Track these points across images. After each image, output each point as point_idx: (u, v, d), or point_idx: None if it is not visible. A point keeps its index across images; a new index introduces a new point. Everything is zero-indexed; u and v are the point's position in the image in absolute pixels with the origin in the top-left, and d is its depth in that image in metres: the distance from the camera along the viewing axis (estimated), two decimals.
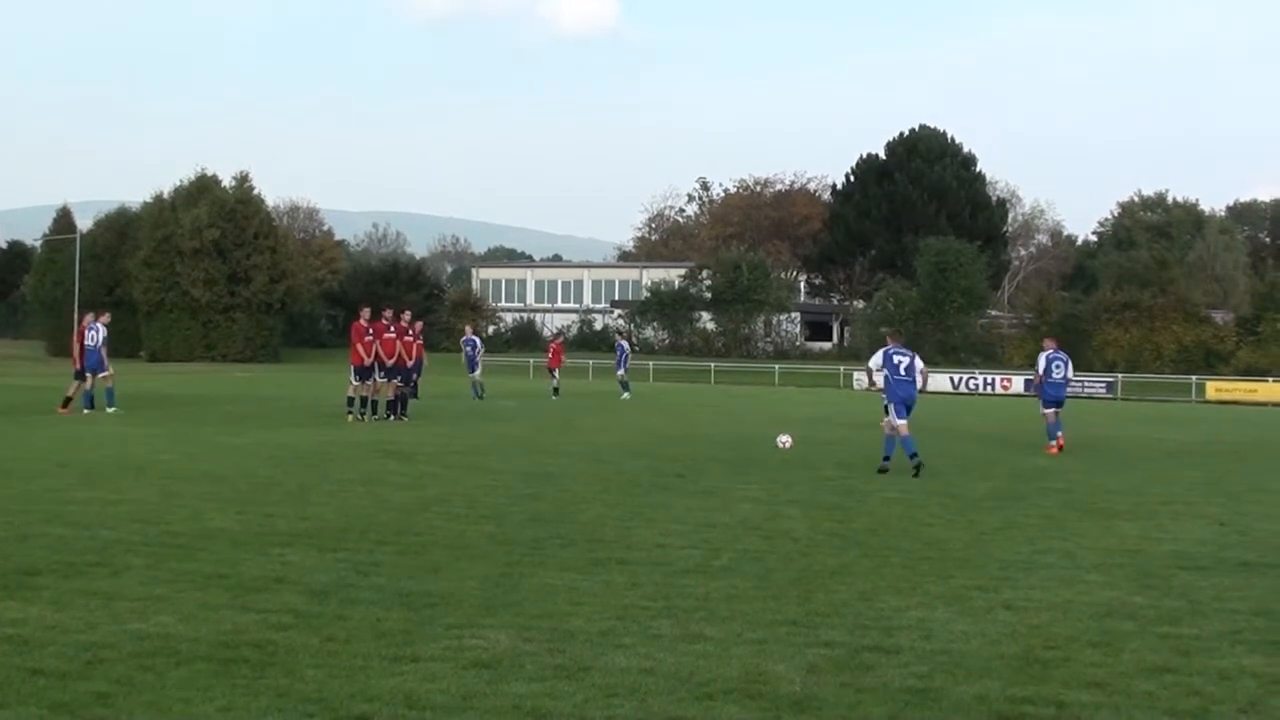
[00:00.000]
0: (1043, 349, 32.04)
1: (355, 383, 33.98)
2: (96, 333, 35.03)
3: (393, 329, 34.77)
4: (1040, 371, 31.51)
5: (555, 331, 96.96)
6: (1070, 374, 31.91)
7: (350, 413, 33.58)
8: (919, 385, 24.73)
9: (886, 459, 23.88)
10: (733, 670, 9.12)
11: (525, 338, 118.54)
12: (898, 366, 24.41)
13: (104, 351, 35.08)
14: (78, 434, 27.49)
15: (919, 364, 24.89)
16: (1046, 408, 30.96)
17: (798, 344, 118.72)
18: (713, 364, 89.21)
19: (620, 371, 55.01)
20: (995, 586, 12.46)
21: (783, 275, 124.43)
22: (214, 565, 12.60)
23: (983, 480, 22.52)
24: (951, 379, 77.98)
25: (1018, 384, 73.66)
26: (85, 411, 34.21)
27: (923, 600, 11.72)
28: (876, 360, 25.22)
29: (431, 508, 17.16)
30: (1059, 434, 30.00)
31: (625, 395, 52.74)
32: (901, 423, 23.91)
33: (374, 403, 33.95)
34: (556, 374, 54.30)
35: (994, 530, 16.40)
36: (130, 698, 8.18)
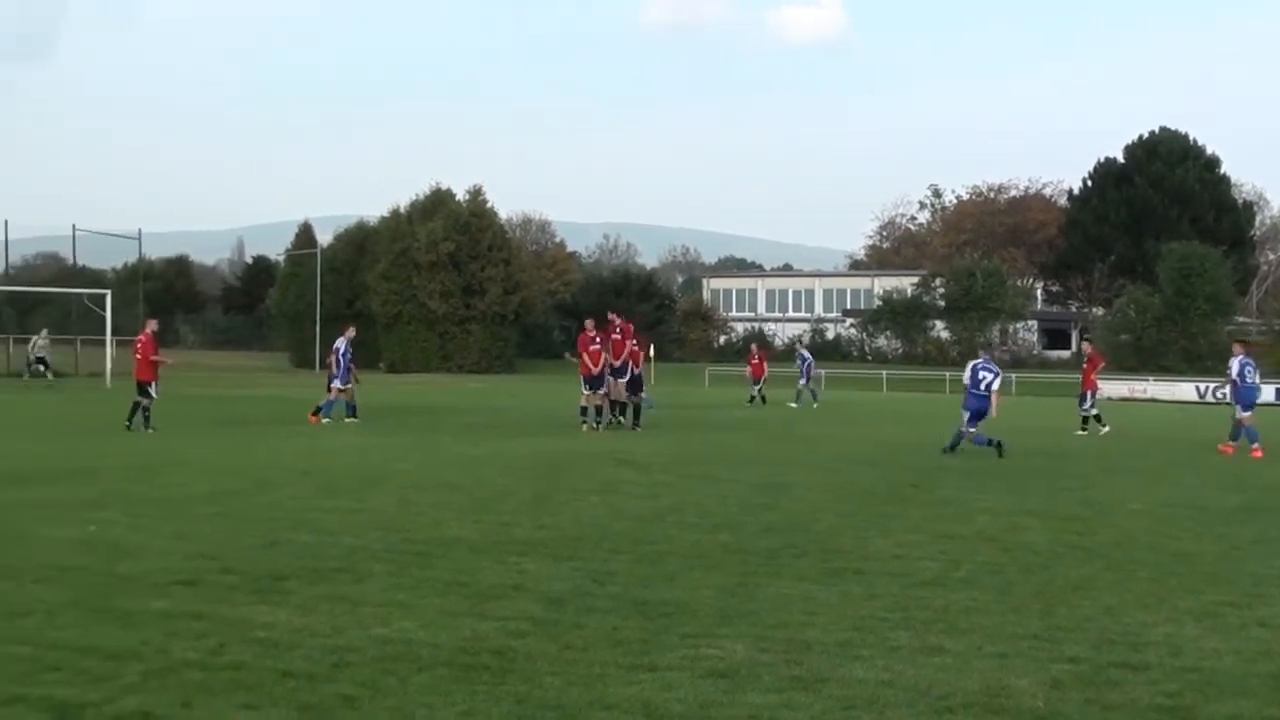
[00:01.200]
0: (1234, 354, 31.94)
1: (586, 392, 34.27)
2: (344, 349, 36.30)
3: (598, 338, 34.65)
4: (1235, 376, 31.38)
5: (757, 341, 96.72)
6: (1258, 379, 32.22)
7: (584, 422, 33.84)
8: (991, 405, 28.00)
9: (993, 444, 27.46)
10: (973, 684, 8.99)
11: (765, 348, 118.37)
12: (979, 382, 26.78)
13: (347, 365, 36.17)
14: (320, 444, 28.11)
15: (996, 384, 27.96)
16: (1245, 411, 30.86)
17: (1035, 352, 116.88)
18: (947, 373, 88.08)
19: (802, 381, 54.30)
20: (1249, 603, 12.04)
21: (1018, 283, 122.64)
22: (453, 573, 12.80)
23: (1234, 493, 21.83)
24: (1197, 388, 75.91)
25: (1269, 393, 71.48)
26: (346, 420, 35.17)
27: (1171, 616, 11.40)
28: (967, 374, 28.29)
29: (666, 517, 17.20)
30: (1256, 439, 30.10)
31: (793, 405, 51.91)
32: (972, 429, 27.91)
33: (600, 408, 34.10)
34: (760, 383, 53.89)
35: (1247, 544, 15.86)
36: (375, 701, 8.35)
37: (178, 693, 8.45)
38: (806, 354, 56.43)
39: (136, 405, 31.73)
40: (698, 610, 11.17)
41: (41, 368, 58.53)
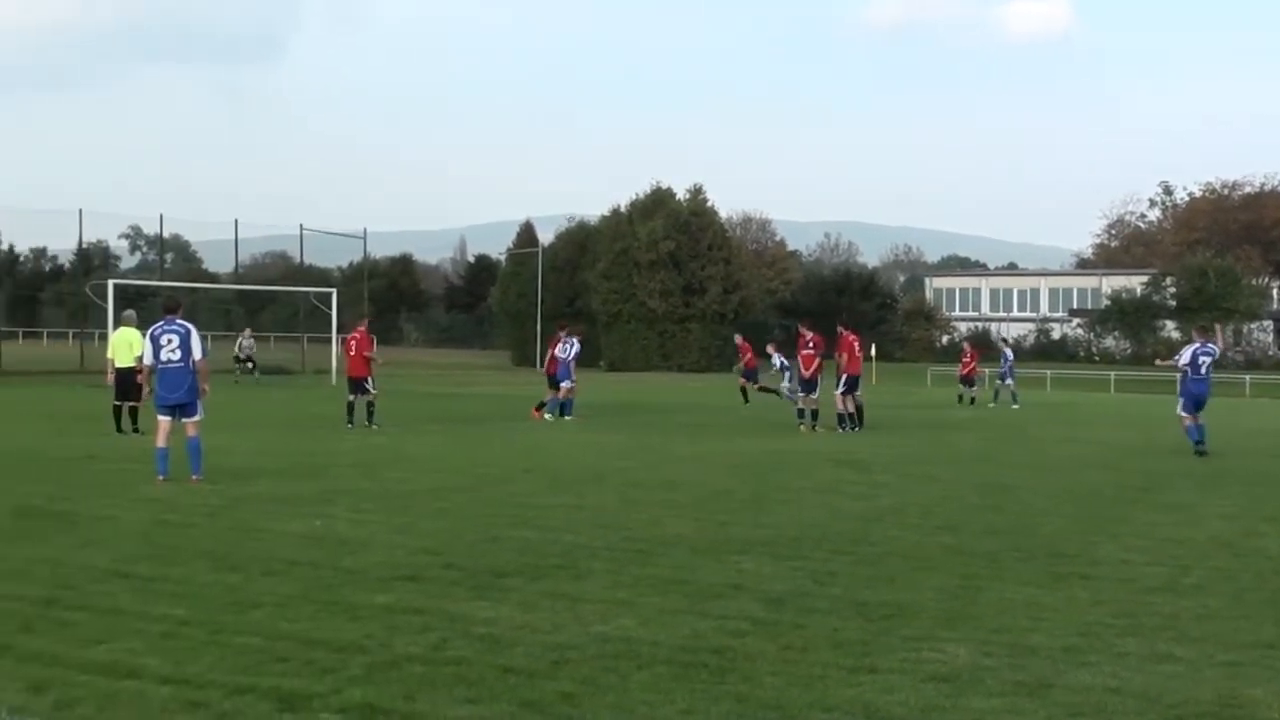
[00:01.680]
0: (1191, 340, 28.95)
1: (801, 395, 34.14)
2: (570, 346, 36.64)
3: (811, 341, 34.31)
4: (1185, 364, 28.09)
5: (967, 338, 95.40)
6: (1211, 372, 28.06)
7: (800, 423, 33.70)
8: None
9: (1199, 444, 26.55)
10: (1205, 693, 8.72)
11: (979, 347, 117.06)
12: (1199, 365, 25.34)
13: (572, 365, 36.54)
14: (541, 441, 28.38)
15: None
16: (1185, 410, 28.07)
17: (1270, 353, 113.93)
18: (1177, 374, 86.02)
19: (1008, 381, 53.42)
20: None
21: (1254, 282, 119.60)
22: (673, 571, 12.82)
23: None
24: None
25: None
26: (551, 418, 35.46)
27: None
28: (1185, 357, 27.15)
29: (886, 518, 17.07)
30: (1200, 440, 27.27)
31: (994, 405, 51.15)
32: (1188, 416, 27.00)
33: (814, 412, 33.87)
34: (974, 383, 53.12)
35: None
36: (595, 699, 8.38)
37: (400, 686, 8.57)
38: (1009, 352, 55.90)
39: (351, 405, 32.05)
40: (919, 612, 11.06)
41: (249, 365, 59.76)
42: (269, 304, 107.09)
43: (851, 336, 35.09)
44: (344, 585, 11.80)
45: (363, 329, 33.64)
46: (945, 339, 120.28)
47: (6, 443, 25.50)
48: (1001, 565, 13.56)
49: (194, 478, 19.44)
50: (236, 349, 61.61)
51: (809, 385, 33.79)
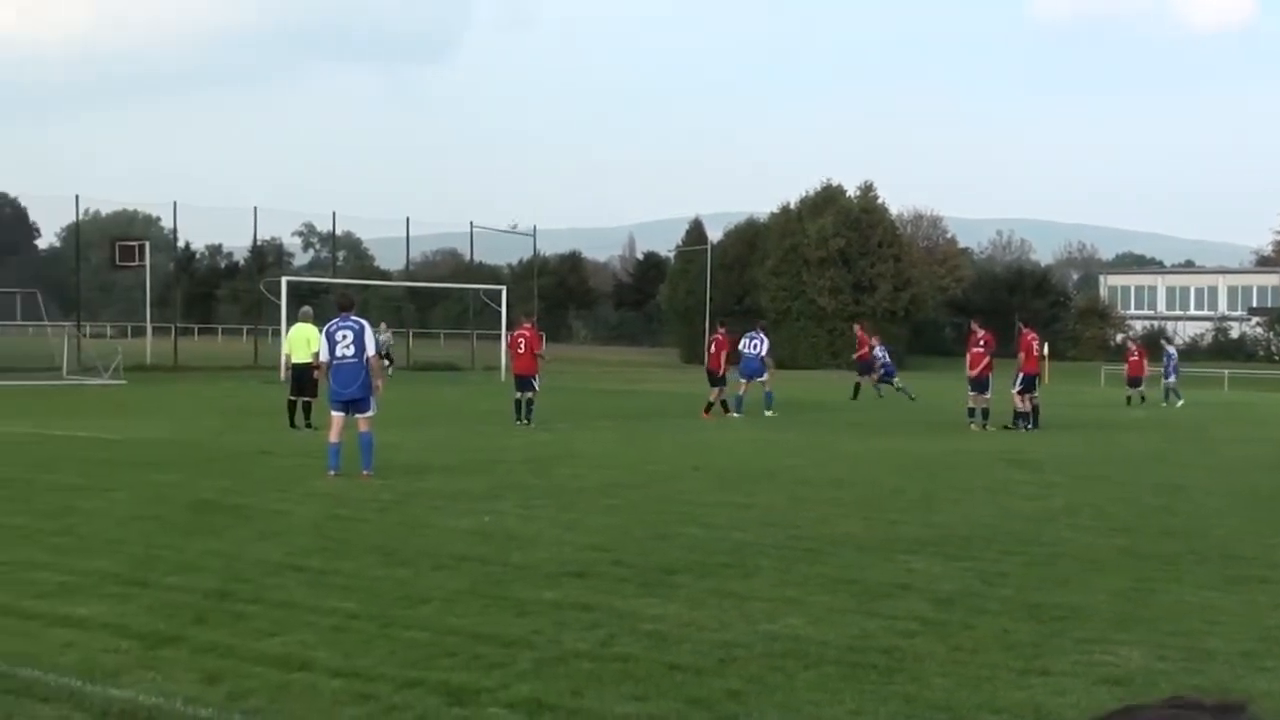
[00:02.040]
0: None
1: (972, 394, 33.78)
2: (760, 342, 36.80)
3: (983, 340, 34.06)
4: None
5: (1131, 337, 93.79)
6: None
7: (971, 422, 33.36)
8: None
9: None
10: None
11: (1155, 346, 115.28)
12: None
13: (768, 360, 36.94)
14: (710, 439, 28.38)
15: None
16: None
17: None
18: None
19: (1171, 379, 52.38)
20: None
21: None
22: (841, 570, 12.77)
23: None
24: None
25: None
26: (734, 415, 35.48)
27: None
28: None
29: (1058, 518, 16.88)
30: None
31: (1165, 404, 50.11)
32: None
33: (984, 410, 33.47)
34: (1141, 383, 52.01)
35: None
36: (761, 697, 8.36)
37: (568, 682, 8.61)
38: (1172, 350, 55.10)
39: (519, 402, 31.95)
40: (1092, 615, 10.91)
41: (386, 361, 60.02)
42: (440, 301, 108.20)
43: (1030, 335, 34.78)
44: (512, 581, 11.89)
45: (531, 326, 33.79)
46: (1119, 337, 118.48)
47: (183, 437, 26.00)
48: (1176, 567, 13.35)
49: (365, 473, 19.73)
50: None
51: (979, 384, 33.46)
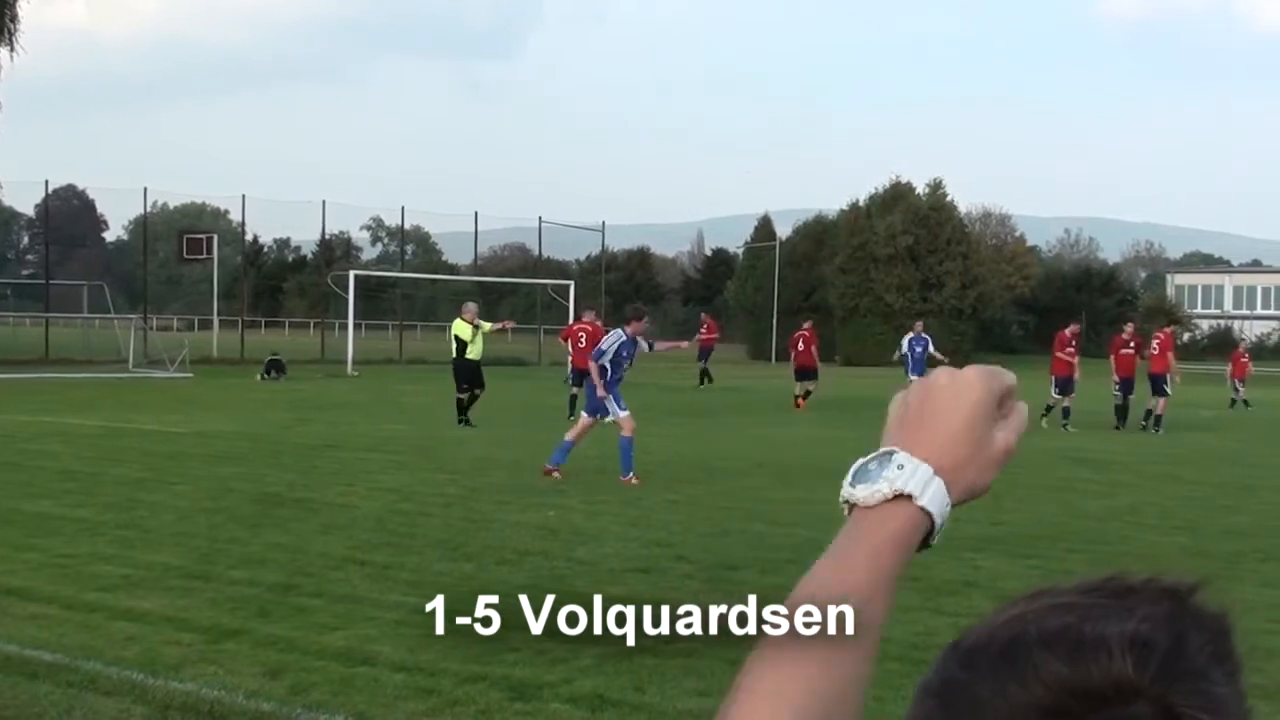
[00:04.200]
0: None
1: (1056, 395, 33.41)
2: (926, 342, 37.46)
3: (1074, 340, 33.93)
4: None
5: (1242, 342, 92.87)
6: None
7: (1045, 418, 32.98)
8: None
9: None
10: None
11: (1221, 345, 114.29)
12: None
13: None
14: (775, 435, 28.31)
15: None
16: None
17: None
18: None
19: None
20: None
21: None
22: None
23: None
24: None
25: None
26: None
27: None
28: None
29: (1123, 517, 16.81)
30: None
31: (1237, 408, 49.56)
32: None
33: (1065, 409, 33.21)
34: (1240, 385, 51.30)
35: None
36: None
37: (630, 677, 8.60)
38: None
39: (574, 398, 31.66)
40: None
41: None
42: (507, 296, 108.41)
43: (1169, 331, 34.84)
44: (576, 576, 11.91)
45: (594, 320, 33.66)
46: (1186, 336, 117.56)
47: (248, 431, 26.13)
48: (1241, 567, 13.28)
49: (623, 478, 19.48)
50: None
51: (1065, 385, 33.24)
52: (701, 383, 48.82)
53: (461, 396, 29.06)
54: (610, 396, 20.42)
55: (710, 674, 8.70)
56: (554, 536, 14.14)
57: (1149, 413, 33.39)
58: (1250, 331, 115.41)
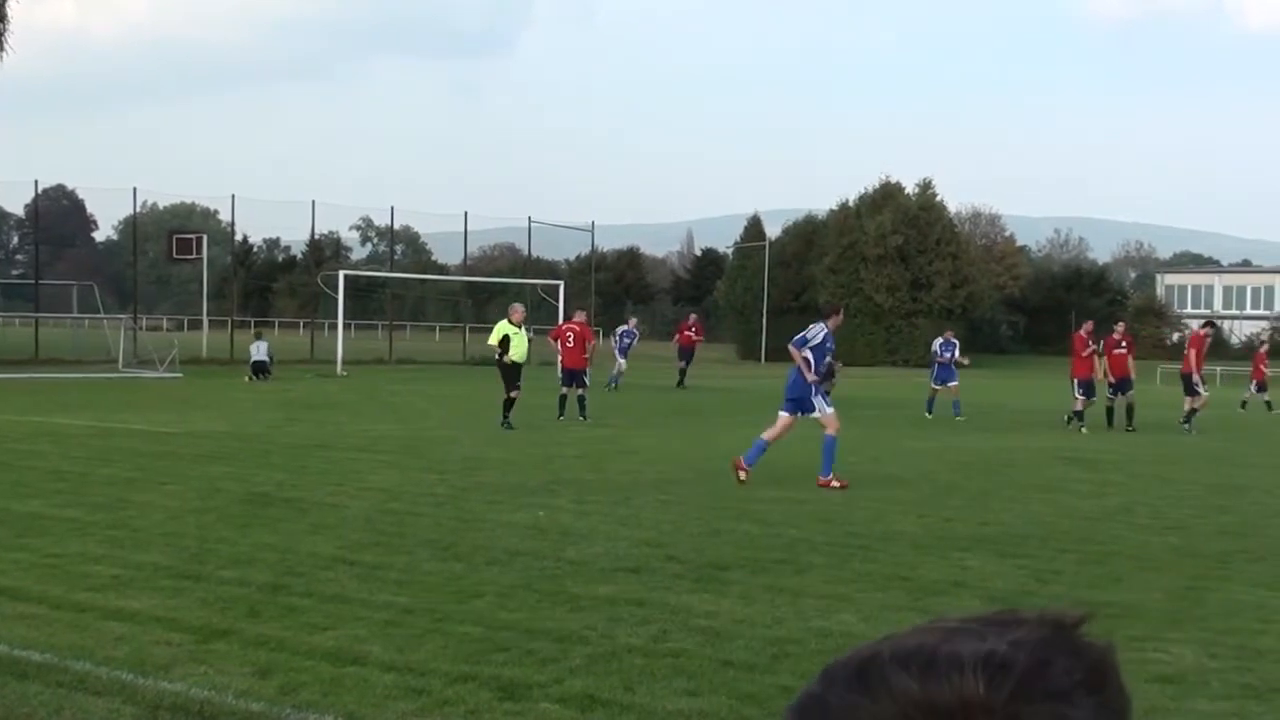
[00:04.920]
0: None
1: (1079, 396, 33.04)
2: (954, 347, 36.99)
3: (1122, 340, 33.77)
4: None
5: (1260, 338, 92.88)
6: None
7: (1078, 424, 32.52)
8: None
9: None
10: None
11: (1211, 345, 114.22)
12: None
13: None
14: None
15: None
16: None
17: None
18: None
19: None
20: None
21: None
22: (894, 567, 12.75)
23: None
24: None
25: None
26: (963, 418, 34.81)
27: None
28: None
29: (1114, 517, 16.82)
30: None
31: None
32: None
33: (1079, 413, 32.87)
34: (1257, 386, 50.53)
35: None
36: None
37: (620, 677, 8.61)
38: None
39: (564, 397, 31.69)
40: (1145, 613, 10.88)
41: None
42: (496, 295, 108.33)
43: (1200, 332, 34.74)
44: (566, 576, 11.90)
45: (583, 320, 33.69)
46: (1175, 336, 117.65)
47: (238, 431, 26.11)
48: (1231, 567, 13.33)
49: (821, 479, 19.45)
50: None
51: (1089, 387, 33.11)
52: (681, 383, 48.69)
53: (512, 396, 28.86)
54: (817, 393, 20.17)
55: (700, 674, 8.72)
56: (544, 536, 14.13)
57: (1189, 412, 33.15)
58: (1240, 332, 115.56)
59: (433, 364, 61.89)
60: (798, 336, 20.39)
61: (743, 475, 19.40)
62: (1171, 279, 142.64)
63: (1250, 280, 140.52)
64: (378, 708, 7.96)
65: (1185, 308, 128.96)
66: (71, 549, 12.78)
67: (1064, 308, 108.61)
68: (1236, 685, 8.71)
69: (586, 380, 31.87)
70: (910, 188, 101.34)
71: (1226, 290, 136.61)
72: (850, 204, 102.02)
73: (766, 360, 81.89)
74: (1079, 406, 32.91)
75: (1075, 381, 33.42)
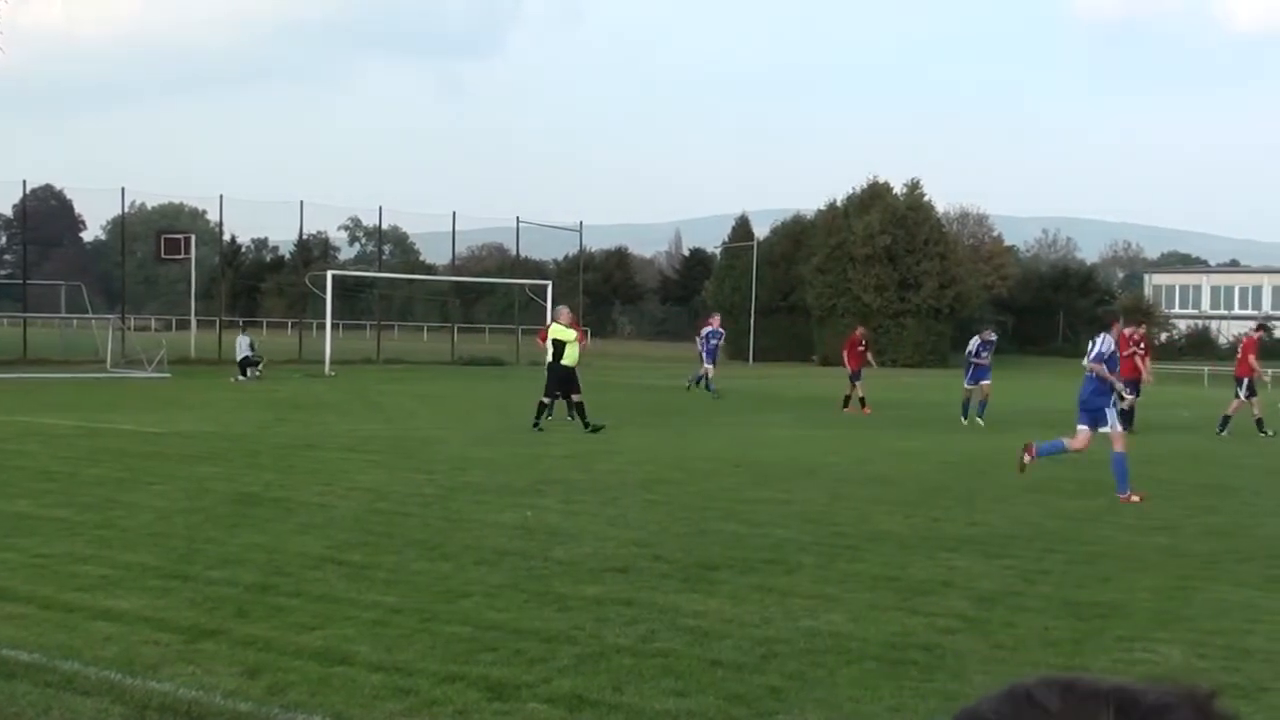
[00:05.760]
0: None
1: (1129, 395, 32.58)
2: (985, 345, 35.48)
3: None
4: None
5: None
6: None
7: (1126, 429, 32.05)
8: None
9: None
10: None
11: (1199, 345, 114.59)
12: None
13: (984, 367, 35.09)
14: (753, 436, 28.28)
15: None
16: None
17: None
18: None
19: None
20: None
21: None
22: (882, 567, 12.77)
23: None
24: None
25: None
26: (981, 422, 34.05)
27: None
28: None
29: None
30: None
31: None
32: None
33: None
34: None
35: None
36: (801, 693, 8.36)
37: (608, 677, 8.62)
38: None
39: (542, 406, 31.28)
40: (1132, 613, 10.92)
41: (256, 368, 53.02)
42: (485, 296, 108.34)
43: (1254, 336, 34.32)
44: (554, 576, 11.91)
45: (570, 320, 33.66)
46: (1164, 336, 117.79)
47: (227, 431, 26.09)
48: (1218, 567, 13.37)
49: (1121, 495, 18.69)
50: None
51: (1134, 386, 32.96)
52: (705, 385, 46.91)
53: (546, 400, 28.61)
54: (1113, 405, 19.86)
55: (688, 674, 8.74)
56: (532, 536, 14.13)
57: (1259, 420, 32.80)
58: (1228, 332, 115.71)
59: (421, 364, 61.79)
60: (1093, 352, 19.82)
61: (1027, 459, 19.68)
62: (1159, 279, 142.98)
63: (1239, 280, 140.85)
64: (365, 708, 7.96)
65: (1173, 308, 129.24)
66: (59, 549, 12.77)
67: (1052, 308, 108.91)
68: (1224, 684, 8.70)
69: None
70: (898, 188, 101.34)
71: (1214, 290, 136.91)
72: (838, 204, 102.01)
73: (755, 360, 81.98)
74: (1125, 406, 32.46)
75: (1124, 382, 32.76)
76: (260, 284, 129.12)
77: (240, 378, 45.15)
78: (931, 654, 9.39)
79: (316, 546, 13.13)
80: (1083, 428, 19.74)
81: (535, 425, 27.76)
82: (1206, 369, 58.48)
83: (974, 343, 35.85)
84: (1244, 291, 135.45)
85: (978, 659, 9.29)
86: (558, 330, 29.04)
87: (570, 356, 28.74)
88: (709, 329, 45.26)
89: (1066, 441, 19.95)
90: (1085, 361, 20.00)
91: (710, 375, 43.60)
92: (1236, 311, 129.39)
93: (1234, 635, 10.18)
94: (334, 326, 59.17)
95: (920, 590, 11.69)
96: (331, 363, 53.96)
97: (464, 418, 30.68)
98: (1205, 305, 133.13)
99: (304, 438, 24.93)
